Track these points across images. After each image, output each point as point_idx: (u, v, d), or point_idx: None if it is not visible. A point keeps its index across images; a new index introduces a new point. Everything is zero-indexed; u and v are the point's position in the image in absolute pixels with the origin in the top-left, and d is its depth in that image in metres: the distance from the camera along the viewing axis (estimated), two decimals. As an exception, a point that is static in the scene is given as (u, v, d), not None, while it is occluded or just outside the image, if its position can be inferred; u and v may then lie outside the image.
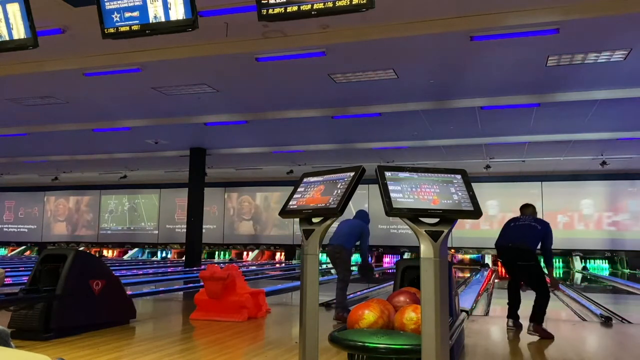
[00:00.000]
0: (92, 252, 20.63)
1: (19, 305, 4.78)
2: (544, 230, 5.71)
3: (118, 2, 4.93)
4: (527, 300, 5.66)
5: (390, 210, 2.16)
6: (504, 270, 17.75)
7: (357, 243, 6.33)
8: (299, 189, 2.59)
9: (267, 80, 9.29)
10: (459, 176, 2.38)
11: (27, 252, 25.10)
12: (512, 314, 5.80)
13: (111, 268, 6.47)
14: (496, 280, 13.47)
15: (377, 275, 14.35)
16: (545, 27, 6.82)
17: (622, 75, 8.73)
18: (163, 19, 4.81)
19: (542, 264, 5.66)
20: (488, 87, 9.53)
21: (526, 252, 5.53)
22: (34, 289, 4.99)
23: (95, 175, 21.56)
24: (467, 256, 20.03)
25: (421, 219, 2.17)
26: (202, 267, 15.05)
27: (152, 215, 24.18)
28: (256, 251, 22.45)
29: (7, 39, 5.09)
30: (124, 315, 5.71)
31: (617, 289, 12.36)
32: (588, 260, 18.95)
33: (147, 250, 23.91)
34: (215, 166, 17.94)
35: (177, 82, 9.45)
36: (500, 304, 8.98)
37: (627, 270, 17.92)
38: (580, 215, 19.17)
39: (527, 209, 6.18)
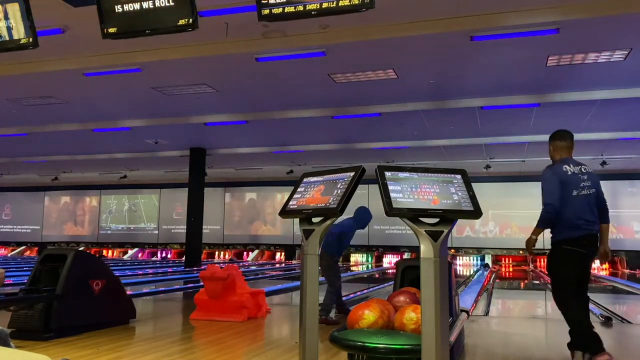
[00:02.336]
0: (92, 252, 20.64)
1: (19, 305, 4.77)
2: (601, 193, 4.10)
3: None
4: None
5: (390, 210, 2.15)
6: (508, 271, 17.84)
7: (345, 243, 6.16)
8: (299, 189, 2.58)
9: (267, 80, 9.28)
10: (459, 176, 2.38)
11: (27, 252, 25.10)
12: (598, 344, 3.82)
13: (111, 268, 6.46)
14: (496, 280, 13.46)
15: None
16: (545, 27, 6.83)
17: (622, 75, 8.73)
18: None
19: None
20: (488, 87, 9.53)
21: (598, 240, 4.10)
22: (34, 289, 4.98)
23: (95, 175, 21.57)
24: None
25: (421, 219, 2.17)
26: (202, 267, 15.05)
27: (152, 215, 24.18)
28: (256, 251, 22.45)
29: (7, 39, 5.09)
30: (124, 315, 5.70)
31: (617, 289, 12.35)
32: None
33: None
34: (215, 166, 17.94)
35: (177, 82, 9.45)
36: (500, 304, 9.00)
37: (627, 270, 17.92)
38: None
39: (564, 143, 4.07)
